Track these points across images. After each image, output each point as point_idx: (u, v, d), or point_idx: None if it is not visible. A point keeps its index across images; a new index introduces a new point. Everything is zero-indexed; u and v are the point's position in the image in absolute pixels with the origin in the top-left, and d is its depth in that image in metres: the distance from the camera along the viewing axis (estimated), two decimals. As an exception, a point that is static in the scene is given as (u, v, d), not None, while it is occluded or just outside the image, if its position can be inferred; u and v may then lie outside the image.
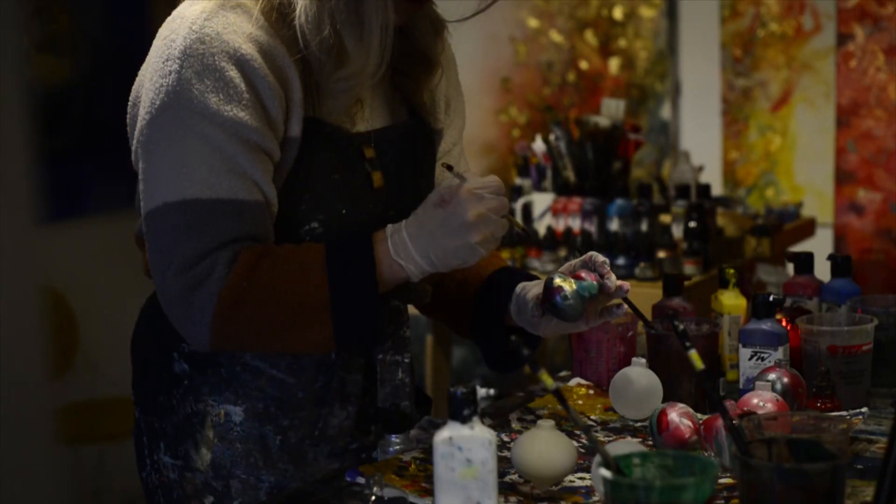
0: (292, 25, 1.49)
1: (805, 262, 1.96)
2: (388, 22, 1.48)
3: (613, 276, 1.57)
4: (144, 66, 1.53)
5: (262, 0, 1.50)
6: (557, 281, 1.53)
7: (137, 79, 1.55)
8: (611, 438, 1.61)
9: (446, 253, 1.47)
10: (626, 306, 1.62)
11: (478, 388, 2.02)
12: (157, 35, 1.52)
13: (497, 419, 1.67)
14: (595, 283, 1.55)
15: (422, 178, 1.67)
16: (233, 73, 1.45)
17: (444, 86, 1.71)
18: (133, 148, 1.52)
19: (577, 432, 1.61)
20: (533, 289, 1.61)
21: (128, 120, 1.55)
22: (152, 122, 1.46)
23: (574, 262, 1.60)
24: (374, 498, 1.39)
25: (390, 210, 1.59)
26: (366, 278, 1.47)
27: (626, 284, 1.57)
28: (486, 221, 1.46)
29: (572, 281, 1.54)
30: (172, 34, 1.48)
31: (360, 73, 1.50)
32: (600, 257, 1.58)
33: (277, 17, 1.50)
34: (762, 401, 1.51)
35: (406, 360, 1.64)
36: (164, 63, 1.47)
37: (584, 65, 4.44)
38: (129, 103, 1.55)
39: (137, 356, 1.67)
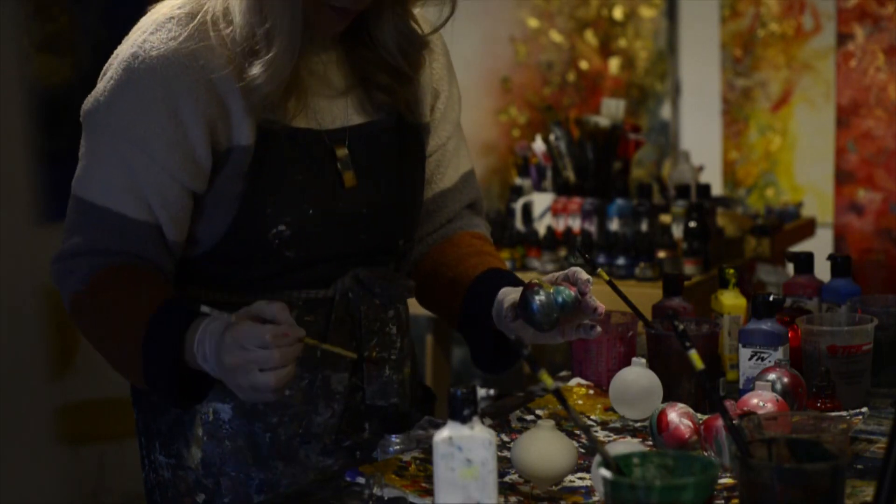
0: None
1: (805, 262, 1.96)
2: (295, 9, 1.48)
3: (594, 297, 1.54)
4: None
5: (212, 10, 1.51)
6: (535, 283, 1.50)
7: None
8: (611, 438, 1.61)
9: (223, 377, 1.41)
10: (598, 328, 1.57)
11: (478, 388, 2.02)
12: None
13: (497, 419, 1.67)
14: (573, 293, 1.51)
15: (406, 174, 1.66)
16: (155, 94, 1.48)
17: (428, 77, 1.69)
18: None
19: (577, 432, 1.61)
20: (512, 294, 1.59)
21: None
22: (83, 121, 1.55)
23: (556, 274, 1.57)
24: (374, 498, 1.39)
25: (363, 208, 1.59)
26: (171, 370, 1.45)
27: (601, 307, 1.54)
28: (240, 373, 1.38)
29: (550, 286, 1.51)
30: (127, 38, 1.54)
31: (272, 63, 1.48)
32: (584, 274, 1.55)
33: (216, 24, 1.51)
34: (762, 401, 1.51)
35: (393, 357, 1.63)
36: (107, 65, 1.54)
37: (584, 65, 4.44)
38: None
39: None
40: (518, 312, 1.52)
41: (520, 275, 3.18)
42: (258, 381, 1.37)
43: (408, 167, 1.67)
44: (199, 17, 1.51)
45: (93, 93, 1.54)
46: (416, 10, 1.64)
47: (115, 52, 1.55)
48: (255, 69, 1.48)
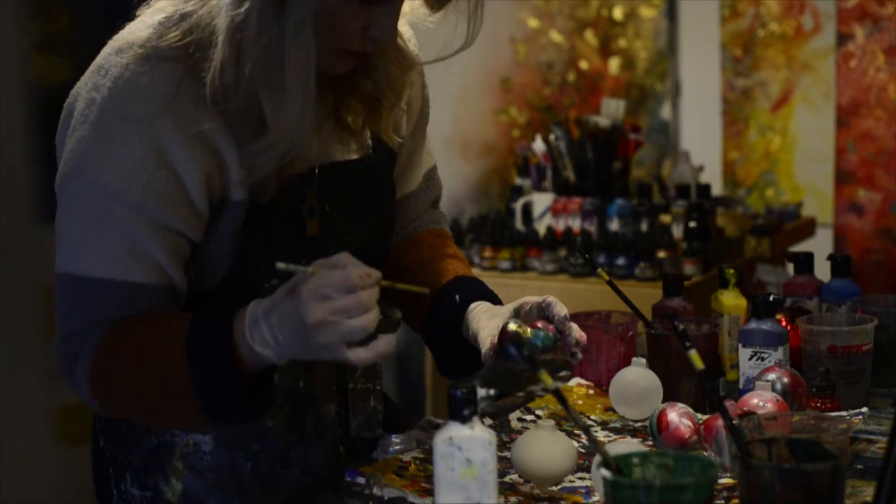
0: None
1: (805, 262, 1.96)
2: (309, 82, 1.35)
3: (574, 331, 1.49)
4: (83, 80, 1.42)
5: (196, 52, 1.37)
6: (512, 327, 1.47)
7: (75, 89, 1.43)
8: (611, 438, 1.61)
9: (298, 349, 1.30)
10: (580, 354, 1.52)
11: (478, 388, 2.02)
12: (101, 54, 1.42)
13: (497, 419, 1.67)
14: (552, 335, 1.48)
15: (374, 205, 1.58)
16: (147, 153, 1.36)
17: (410, 93, 1.60)
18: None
19: (577, 432, 1.61)
20: (486, 323, 1.53)
21: (60, 123, 1.44)
22: (61, 187, 1.40)
23: (531, 302, 1.51)
24: (374, 498, 1.39)
25: (352, 245, 1.49)
26: (226, 372, 1.33)
27: (583, 338, 1.50)
28: (327, 327, 1.26)
29: (528, 329, 1.48)
30: (94, 83, 1.39)
31: (277, 145, 1.38)
32: (562, 309, 1.50)
33: (200, 78, 1.37)
34: (762, 401, 1.51)
35: (378, 388, 1.60)
36: (82, 116, 1.38)
37: (584, 65, 4.44)
38: (65, 107, 1.44)
39: None
40: (497, 355, 1.49)
41: (519, 275, 3.21)
42: (351, 328, 1.25)
43: (380, 199, 1.59)
44: (182, 64, 1.36)
45: (66, 154, 1.38)
46: (401, 27, 1.51)
47: (77, 95, 1.40)
48: (258, 146, 1.38)
